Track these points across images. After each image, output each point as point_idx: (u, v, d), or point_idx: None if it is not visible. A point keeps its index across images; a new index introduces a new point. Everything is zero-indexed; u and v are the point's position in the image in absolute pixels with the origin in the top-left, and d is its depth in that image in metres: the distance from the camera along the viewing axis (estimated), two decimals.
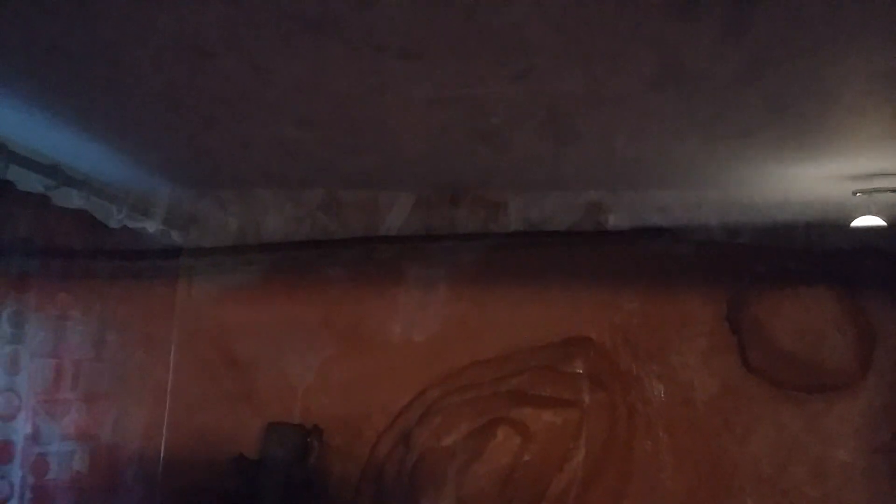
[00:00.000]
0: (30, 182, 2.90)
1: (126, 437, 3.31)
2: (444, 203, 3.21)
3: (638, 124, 2.32)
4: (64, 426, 3.22)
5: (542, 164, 2.80)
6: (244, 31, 1.77)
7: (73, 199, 3.15)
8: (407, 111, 2.28)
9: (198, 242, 3.44)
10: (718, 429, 2.91)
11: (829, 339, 2.87)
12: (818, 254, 2.91)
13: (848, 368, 2.85)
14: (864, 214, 2.72)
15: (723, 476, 2.88)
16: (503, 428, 2.92)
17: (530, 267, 3.15)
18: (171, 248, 3.46)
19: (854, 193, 2.70)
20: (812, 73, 1.90)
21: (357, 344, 3.22)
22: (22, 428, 3.07)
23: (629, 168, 2.81)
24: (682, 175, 2.86)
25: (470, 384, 3.02)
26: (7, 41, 1.89)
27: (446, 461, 2.93)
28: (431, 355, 3.12)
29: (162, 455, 3.34)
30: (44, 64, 2.03)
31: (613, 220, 3.09)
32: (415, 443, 2.99)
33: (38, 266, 3.24)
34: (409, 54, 1.87)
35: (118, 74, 2.05)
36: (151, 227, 3.39)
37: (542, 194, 3.14)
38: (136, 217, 3.36)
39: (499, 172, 2.96)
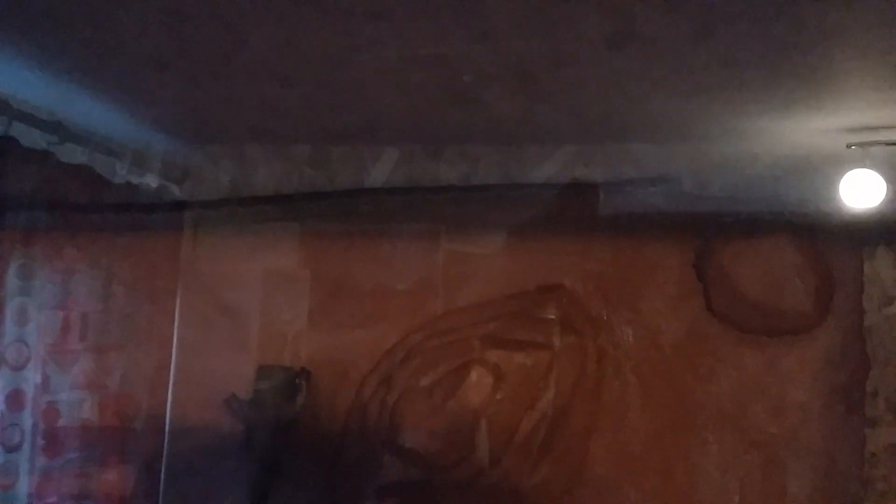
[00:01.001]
0: (33, 138, 2.99)
1: (134, 386, 3.46)
2: (427, 157, 3.33)
3: (602, 82, 2.43)
4: (73, 375, 3.33)
5: (516, 119, 2.90)
6: None
7: (77, 155, 3.24)
8: (381, 70, 2.39)
9: (192, 196, 3.57)
10: (684, 370, 3.06)
11: (789, 286, 3.01)
12: (783, 204, 3.02)
13: (807, 313, 3.00)
14: (858, 167, 2.77)
15: (687, 414, 3.05)
16: (477, 369, 3.10)
17: (508, 218, 3.27)
18: (174, 201, 3.56)
19: (848, 146, 2.76)
20: (762, 33, 2.00)
21: (343, 292, 3.36)
22: (32, 377, 3.19)
23: (601, 123, 2.91)
24: (653, 129, 2.97)
25: (448, 329, 3.18)
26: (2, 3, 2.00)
27: (424, 400, 3.12)
28: (413, 303, 3.27)
29: (169, 401, 3.49)
30: (37, 26, 2.14)
31: (588, 173, 3.20)
32: (396, 383, 3.17)
33: (44, 221, 3.34)
34: (378, 15, 1.97)
35: (104, 37, 2.17)
36: (153, 181, 3.51)
37: (520, 148, 3.25)
38: (138, 172, 3.47)
39: (477, 128, 3.07)
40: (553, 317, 3.12)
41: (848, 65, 2.15)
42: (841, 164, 2.92)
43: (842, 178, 2.81)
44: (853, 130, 2.70)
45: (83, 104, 2.85)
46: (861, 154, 2.75)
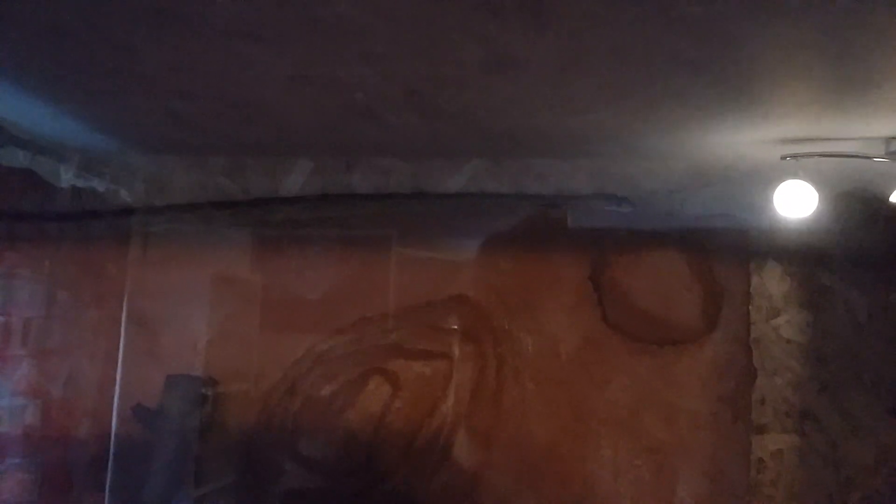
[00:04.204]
0: None
1: (78, 392, 3.44)
2: (340, 169, 3.40)
3: (491, 103, 2.51)
4: (15, 381, 3.33)
5: (419, 136, 2.98)
6: (101, 18, 1.93)
7: (19, 159, 3.25)
8: (275, 88, 2.45)
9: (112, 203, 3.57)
10: (580, 378, 3.17)
11: (677, 298, 3.14)
12: (675, 219, 3.15)
13: (695, 324, 3.13)
14: (791, 178, 2.82)
15: (583, 420, 3.16)
16: (375, 378, 3.17)
17: (417, 230, 3.35)
18: (120, 207, 3.53)
19: (783, 158, 2.83)
20: (638, 64, 2.10)
21: (255, 301, 3.41)
22: None
23: (502, 139, 3.00)
24: (554, 146, 3.07)
25: (354, 339, 3.25)
26: None
27: (324, 408, 3.19)
28: (323, 312, 3.33)
29: (115, 408, 3.48)
30: None
31: (495, 186, 3.29)
32: (298, 392, 3.23)
33: None
34: (260, 38, 2.03)
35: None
36: (101, 186, 3.51)
37: (429, 161, 3.34)
38: (85, 176, 3.47)
39: (385, 142, 3.14)
40: (455, 327, 3.21)
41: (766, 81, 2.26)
42: (742, 177, 3.07)
43: (739, 191, 2.91)
44: (776, 142, 2.78)
45: (25, 107, 2.81)
46: (793, 166, 2.82)
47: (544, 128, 2.80)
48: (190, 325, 3.47)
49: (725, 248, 3.15)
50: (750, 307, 3.12)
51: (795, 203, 2.81)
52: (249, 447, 3.28)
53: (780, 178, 2.86)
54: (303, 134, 3.07)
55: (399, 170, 3.37)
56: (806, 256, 3.13)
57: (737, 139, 2.81)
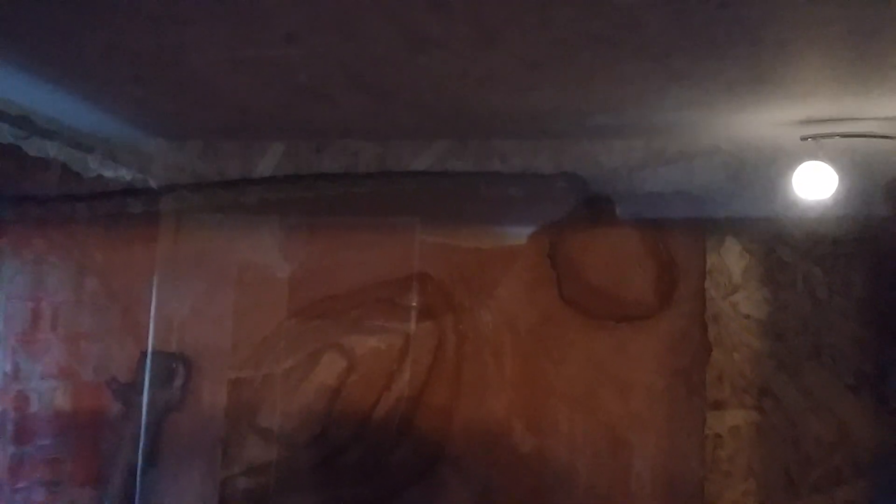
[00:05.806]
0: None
1: (109, 374, 3.55)
2: (311, 152, 3.50)
3: (429, 82, 2.56)
4: (45, 364, 3.48)
5: (377, 117, 3.05)
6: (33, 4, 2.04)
7: (46, 149, 3.41)
8: (219, 70, 2.53)
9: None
10: (538, 354, 3.21)
11: (630, 274, 3.15)
12: (633, 196, 3.17)
13: (648, 300, 3.14)
14: (812, 160, 2.83)
15: (540, 395, 3.20)
16: (329, 353, 3.26)
17: (383, 210, 3.42)
18: (144, 191, 3.62)
19: (803, 139, 2.84)
20: (548, 40, 2.13)
21: (227, 281, 3.52)
22: (1, 366, 3.38)
23: (460, 119, 3.06)
24: (513, 126, 3.12)
25: (317, 315, 3.34)
26: None
27: (281, 382, 3.30)
28: (291, 291, 3.42)
29: (146, 388, 3.55)
30: None
31: (460, 166, 3.36)
32: (262, 368, 3.34)
33: (12, 213, 3.50)
34: (182, 20, 2.10)
35: None
36: (128, 174, 3.66)
37: (397, 142, 3.41)
38: (111, 165, 3.63)
39: (349, 124, 3.22)
40: (414, 304, 3.28)
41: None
42: (700, 156, 3.10)
43: (699, 168, 2.97)
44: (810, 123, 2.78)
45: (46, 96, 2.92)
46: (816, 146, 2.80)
47: (493, 107, 2.84)
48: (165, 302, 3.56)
49: (682, 225, 3.15)
50: (707, 283, 3.12)
51: (812, 185, 2.81)
52: (219, 422, 3.39)
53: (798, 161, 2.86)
54: (265, 117, 3.16)
55: (367, 151, 3.45)
56: (765, 232, 3.12)
57: (687, 117, 2.83)
